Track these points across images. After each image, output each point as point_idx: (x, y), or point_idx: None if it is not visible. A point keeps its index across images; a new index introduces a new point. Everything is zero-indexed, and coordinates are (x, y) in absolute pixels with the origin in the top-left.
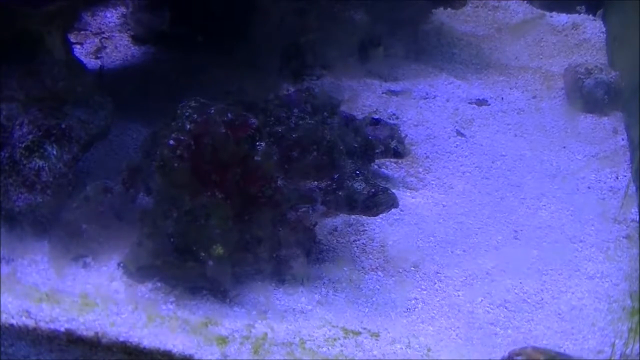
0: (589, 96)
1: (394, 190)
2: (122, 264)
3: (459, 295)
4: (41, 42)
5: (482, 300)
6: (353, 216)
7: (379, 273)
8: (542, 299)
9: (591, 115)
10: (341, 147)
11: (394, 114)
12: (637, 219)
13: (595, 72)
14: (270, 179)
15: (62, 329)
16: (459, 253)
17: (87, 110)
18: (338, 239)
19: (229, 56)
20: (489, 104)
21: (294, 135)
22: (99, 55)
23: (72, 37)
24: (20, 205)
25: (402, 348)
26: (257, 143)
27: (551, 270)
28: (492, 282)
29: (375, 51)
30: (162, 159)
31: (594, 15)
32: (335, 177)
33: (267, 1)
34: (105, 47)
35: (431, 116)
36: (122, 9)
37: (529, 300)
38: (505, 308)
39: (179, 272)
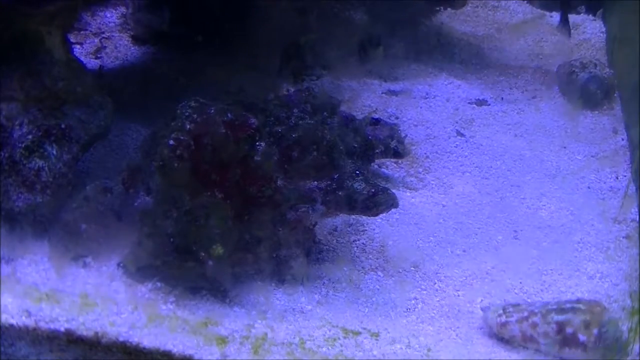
0: (582, 90)
1: (394, 190)
2: (122, 264)
3: (459, 295)
4: (41, 42)
5: (482, 300)
6: (353, 216)
7: (379, 273)
8: (542, 299)
9: (589, 112)
10: (341, 147)
11: (393, 114)
12: (637, 219)
13: (590, 66)
14: (270, 179)
15: (62, 329)
16: (459, 253)
17: (87, 110)
18: (338, 239)
19: (229, 56)
20: (489, 104)
21: (293, 135)
22: (99, 55)
23: (72, 37)
24: (20, 205)
25: (402, 348)
26: (257, 143)
27: (551, 270)
28: (492, 282)
29: (375, 51)
30: (162, 159)
31: (594, 15)
32: (335, 177)
33: (267, 1)
34: (105, 47)
35: (431, 116)
36: (122, 9)
37: (529, 300)
38: None
39: (179, 272)
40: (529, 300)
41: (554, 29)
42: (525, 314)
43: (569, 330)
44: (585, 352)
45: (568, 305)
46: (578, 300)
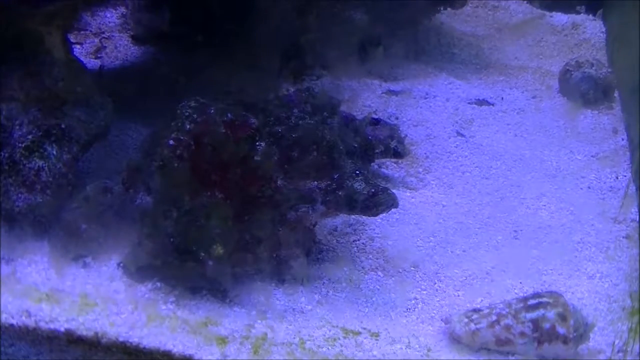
0: (574, 88)
1: (394, 190)
2: (122, 264)
3: (459, 295)
4: (41, 42)
5: (482, 300)
6: (353, 216)
7: (379, 273)
8: None
9: (589, 112)
10: (341, 147)
11: (393, 114)
12: (637, 219)
13: (585, 66)
14: (270, 179)
15: (62, 329)
16: (459, 253)
17: (87, 110)
18: (338, 239)
19: (229, 56)
20: (489, 104)
21: (293, 135)
22: (99, 55)
23: (72, 37)
24: (20, 205)
25: (402, 348)
26: (257, 143)
27: (551, 270)
28: (492, 282)
29: (375, 51)
30: (162, 159)
31: (594, 15)
32: (335, 177)
33: (267, 1)
34: (105, 47)
35: (431, 116)
36: (122, 9)
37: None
38: None
39: (179, 272)
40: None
41: (554, 28)
42: (494, 317)
43: (546, 325)
44: (566, 343)
45: (534, 302)
46: (538, 295)
